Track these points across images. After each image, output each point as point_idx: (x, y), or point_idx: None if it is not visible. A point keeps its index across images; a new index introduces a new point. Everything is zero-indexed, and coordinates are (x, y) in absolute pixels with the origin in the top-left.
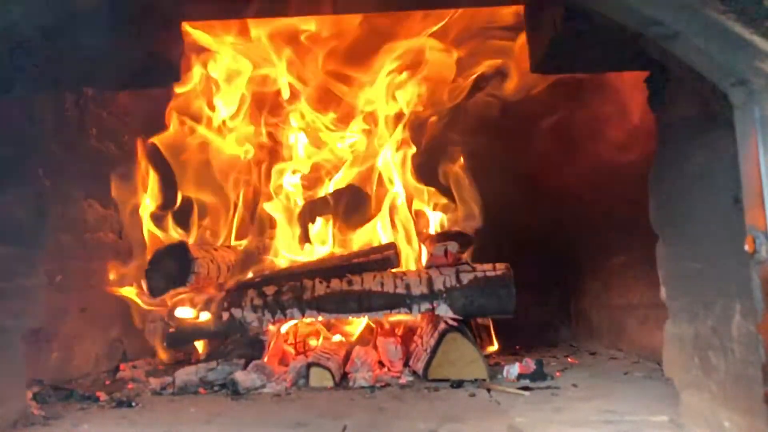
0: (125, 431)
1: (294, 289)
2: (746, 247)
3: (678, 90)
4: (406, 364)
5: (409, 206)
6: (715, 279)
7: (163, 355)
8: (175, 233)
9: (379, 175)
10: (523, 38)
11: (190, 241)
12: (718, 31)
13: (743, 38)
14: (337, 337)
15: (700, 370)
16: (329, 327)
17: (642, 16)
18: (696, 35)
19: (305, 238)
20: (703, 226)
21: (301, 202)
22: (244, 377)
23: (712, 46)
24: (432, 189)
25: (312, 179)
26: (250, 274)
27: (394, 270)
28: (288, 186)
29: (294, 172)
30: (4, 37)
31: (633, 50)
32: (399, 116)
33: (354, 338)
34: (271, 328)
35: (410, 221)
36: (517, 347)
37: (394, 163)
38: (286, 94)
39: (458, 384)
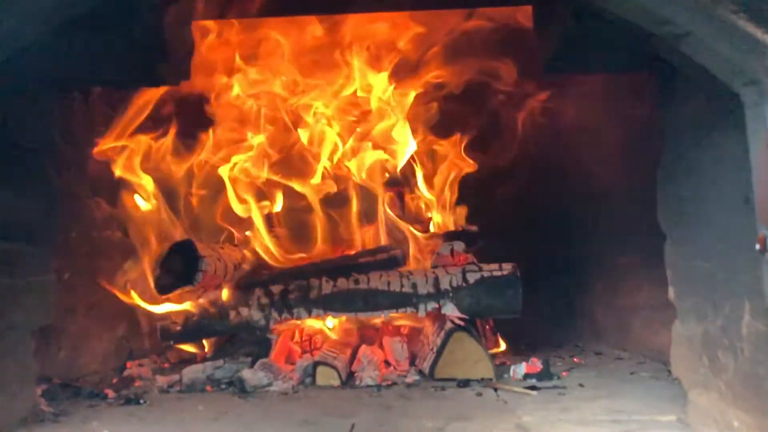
0: (134, 428)
1: (301, 288)
2: (757, 246)
3: (688, 90)
4: (412, 364)
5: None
6: (724, 278)
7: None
8: None
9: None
10: None
11: None
12: (729, 30)
13: (755, 38)
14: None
15: (709, 370)
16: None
17: (654, 15)
18: (707, 34)
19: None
20: (713, 225)
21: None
22: (250, 375)
23: (724, 46)
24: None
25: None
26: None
27: (400, 269)
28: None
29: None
30: (14, 36)
31: (643, 49)
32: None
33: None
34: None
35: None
36: (523, 347)
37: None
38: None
39: (465, 383)
